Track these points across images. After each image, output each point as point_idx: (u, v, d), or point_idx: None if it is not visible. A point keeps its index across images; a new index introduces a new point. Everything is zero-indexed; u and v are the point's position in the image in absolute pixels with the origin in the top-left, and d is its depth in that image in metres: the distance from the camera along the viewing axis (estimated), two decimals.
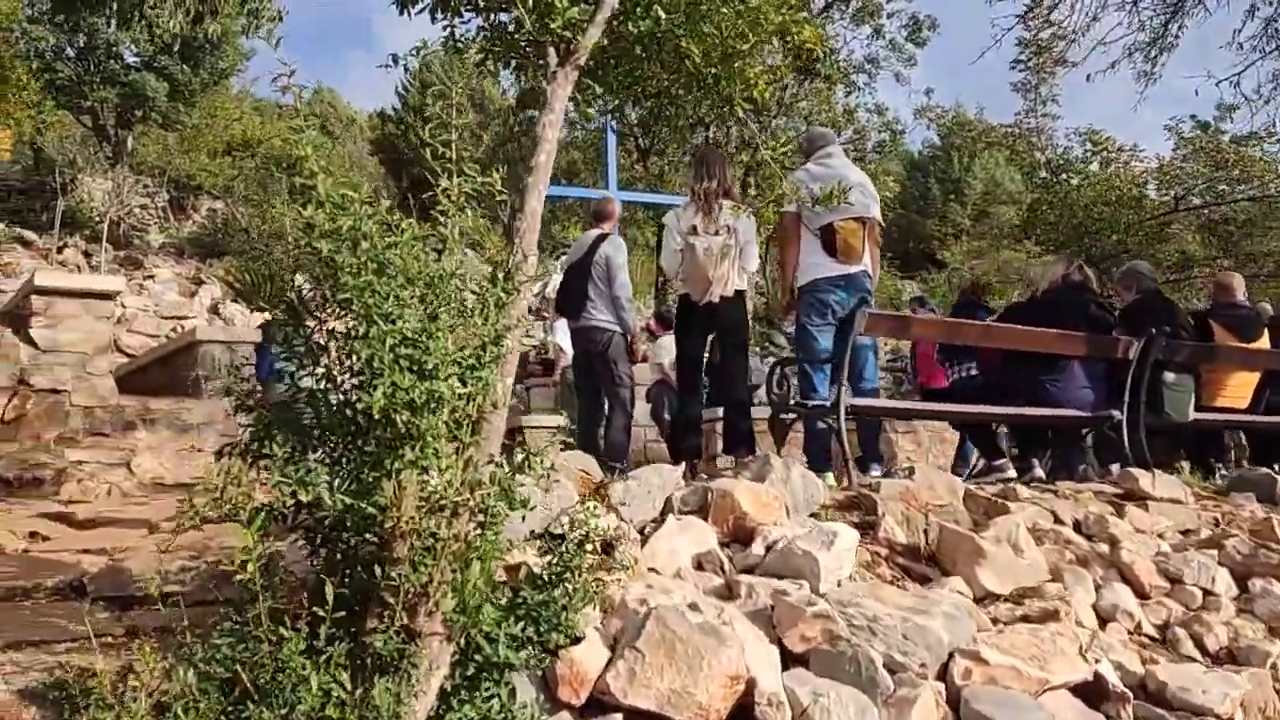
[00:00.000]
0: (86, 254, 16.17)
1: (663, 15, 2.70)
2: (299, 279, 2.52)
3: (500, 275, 2.38)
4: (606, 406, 6.57)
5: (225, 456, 2.38)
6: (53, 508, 4.13)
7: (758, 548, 3.47)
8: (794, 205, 5.55)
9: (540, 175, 2.50)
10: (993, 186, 23.22)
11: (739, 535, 3.61)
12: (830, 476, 4.91)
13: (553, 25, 2.52)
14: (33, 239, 16.52)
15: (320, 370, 2.37)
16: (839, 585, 3.26)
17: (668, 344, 10.80)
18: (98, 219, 19.05)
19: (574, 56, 2.58)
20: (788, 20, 3.02)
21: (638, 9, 2.71)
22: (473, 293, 2.35)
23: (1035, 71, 16.73)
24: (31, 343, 5.83)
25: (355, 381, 2.22)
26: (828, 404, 4.91)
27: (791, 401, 5.09)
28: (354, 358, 2.18)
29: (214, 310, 12.15)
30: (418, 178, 26.46)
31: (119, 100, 17.45)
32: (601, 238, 6.58)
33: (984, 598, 3.61)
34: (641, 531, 3.46)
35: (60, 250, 16.28)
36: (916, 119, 16.72)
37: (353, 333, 2.19)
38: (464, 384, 2.18)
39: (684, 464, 4.59)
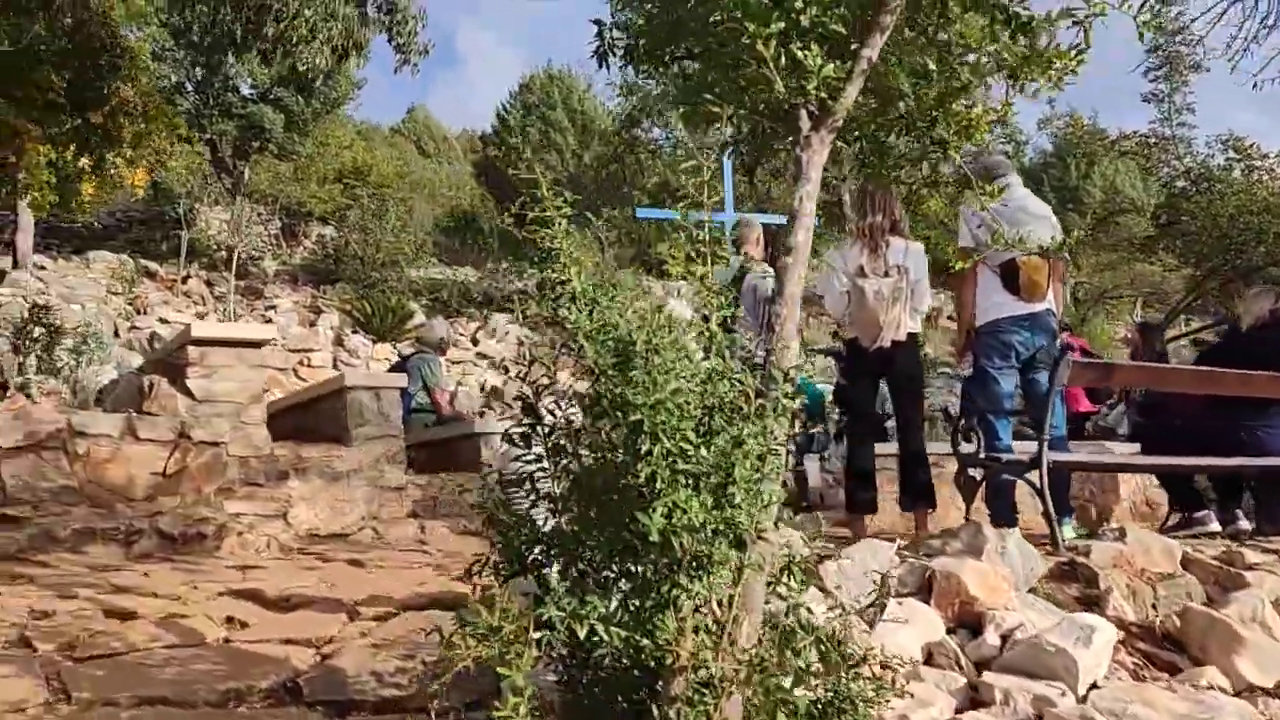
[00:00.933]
0: (209, 283, 16.59)
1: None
2: (535, 371, 2.31)
3: (774, 373, 2.14)
4: None
5: (476, 574, 2.18)
6: (232, 576, 4.04)
7: (991, 637, 3.17)
8: (970, 240, 5.23)
9: (800, 256, 2.26)
10: (1112, 194, 22.30)
11: (964, 620, 3.31)
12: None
13: (808, 86, 2.27)
14: (157, 270, 17.01)
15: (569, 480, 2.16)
16: (1095, 686, 2.94)
17: None
18: (215, 247, 19.58)
19: (830, 119, 2.33)
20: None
21: None
22: (742, 391, 2.12)
23: (1168, 79, 16.05)
24: (188, 393, 5.83)
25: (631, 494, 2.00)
26: (1026, 459, 4.57)
27: (981, 455, 4.74)
28: (628, 474, 1.96)
29: (338, 342, 12.27)
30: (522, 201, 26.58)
31: (237, 132, 17.89)
32: (744, 271, 6.34)
33: (1243, 691, 3.24)
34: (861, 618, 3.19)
35: (184, 281, 16.73)
36: (1040, 129, 16.08)
37: (625, 443, 1.97)
38: (746, 502, 1.94)
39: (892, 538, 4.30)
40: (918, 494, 5.04)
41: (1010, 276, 5.10)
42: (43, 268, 14.60)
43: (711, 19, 2.62)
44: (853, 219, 5.39)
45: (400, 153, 28.66)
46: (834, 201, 16.11)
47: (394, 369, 8.35)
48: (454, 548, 5.58)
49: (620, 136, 19.33)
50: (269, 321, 13.95)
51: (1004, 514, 4.91)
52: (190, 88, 18.16)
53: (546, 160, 25.04)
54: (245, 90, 18.82)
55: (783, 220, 12.13)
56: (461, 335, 14.88)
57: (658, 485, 1.89)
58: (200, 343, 5.87)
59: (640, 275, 26.95)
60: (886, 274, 5.05)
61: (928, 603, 3.32)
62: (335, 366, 11.64)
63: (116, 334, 11.30)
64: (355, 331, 12.69)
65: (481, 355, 13.31)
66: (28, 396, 6.54)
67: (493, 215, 28.61)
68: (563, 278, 2.09)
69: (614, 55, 3.22)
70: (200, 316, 13.83)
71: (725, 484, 1.92)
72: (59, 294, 12.46)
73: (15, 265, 13.71)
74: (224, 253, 19.22)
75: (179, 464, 5.52)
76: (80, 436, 5.24)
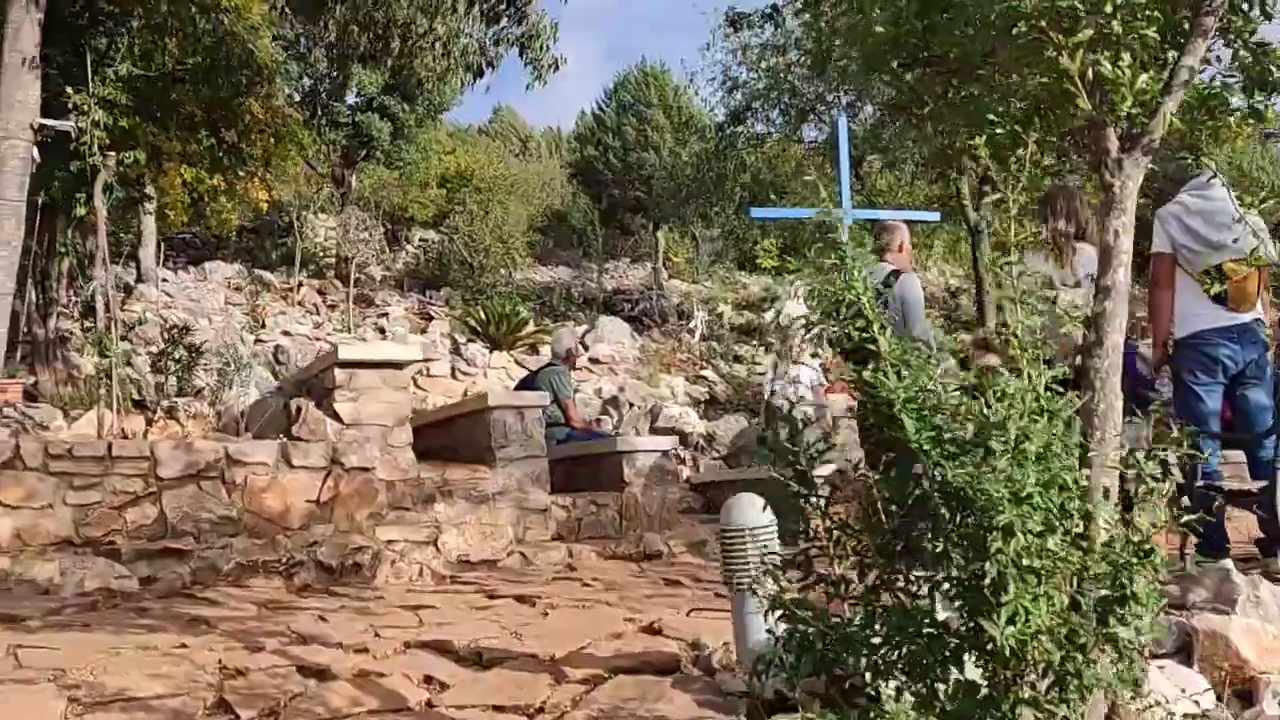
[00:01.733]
0: (321, 292, 16.78)
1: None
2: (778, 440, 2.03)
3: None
4: None
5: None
6: (407, 620, 3.89)
7: (1270, 707, 2.81)
8: (1167, 245, 4.81)
9: (1119, 298, 1.95)
10: None
11: (1235, 686, 2.95)
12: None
13: (1120, 103, 1.96)
14: (271, 280, 17.29)
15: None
16: None
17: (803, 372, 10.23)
18: (322, 254, 19.85)
19: (1146, 139, 2.01)
20: None
21: None
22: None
23: None
24: (336, 417, 5.74)
25: (952, 592, 1.73)
26: (1256, 490, 4.15)
27: (1199, 482, 4.33)
28: (957, 573, 1.68)
29: (455, 350, 12.22)
30: (617, 200, 26.60)
31: (345, 141, 18.08)
32: (895, 274, 5.98)
33: None
34: None
35: (296, 290, 16.96)
36: None
37: (960, 536, 1.69)
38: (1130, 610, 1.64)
39: None
40: None
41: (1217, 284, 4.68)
42: (165, 280, 14.92)
43: (971, 28, 2.34)
44: (1038, 226, 5.00)
45: (492, 154, 28.77)
46: (949, 195, 15.57)
47: (523, 383, 8.20)
48: (609, 575, 5.38)
49: (722, 132, 18.96)
50: (382, 331, 14.01)
51: (1217, 544, 4.49)
52: (297, 98, 18.42)
53: (644, 159, 24.87)
54: (351, 99, 19.03)
55: (907, 216, 11.59)
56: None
57: (1007, 585, 1.61)
58: (347, 365, 5.78)
59: (733, 271, 26.66)
60: (1078, 284, 4.66)
61: (1189, 665, 2.97)
62: (454, 376, 11.60)
63: (240, 346, 11.43)
64: (471, 340, 12.62)
65: (594, 361, 13.13)
66: (174, 420, 6.58)
67: (584, 213, 28.56)
68: (866, 334, 1.81)
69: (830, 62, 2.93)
70: (317, 326, 13.95)
71: (1088, 581, 1.63)
72: (185, 308, 12.69)
73: (140, 279, 14.04)
74: (331, 259, 19.46)
75: (332, 491, 5.44)
76: (238, 465, 5.18)
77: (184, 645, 3.41)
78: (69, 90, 5.80)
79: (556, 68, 8.13)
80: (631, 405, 11.25)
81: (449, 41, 7.37)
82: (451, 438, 6.79)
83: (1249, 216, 4.94)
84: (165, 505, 4.95)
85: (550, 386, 7.93)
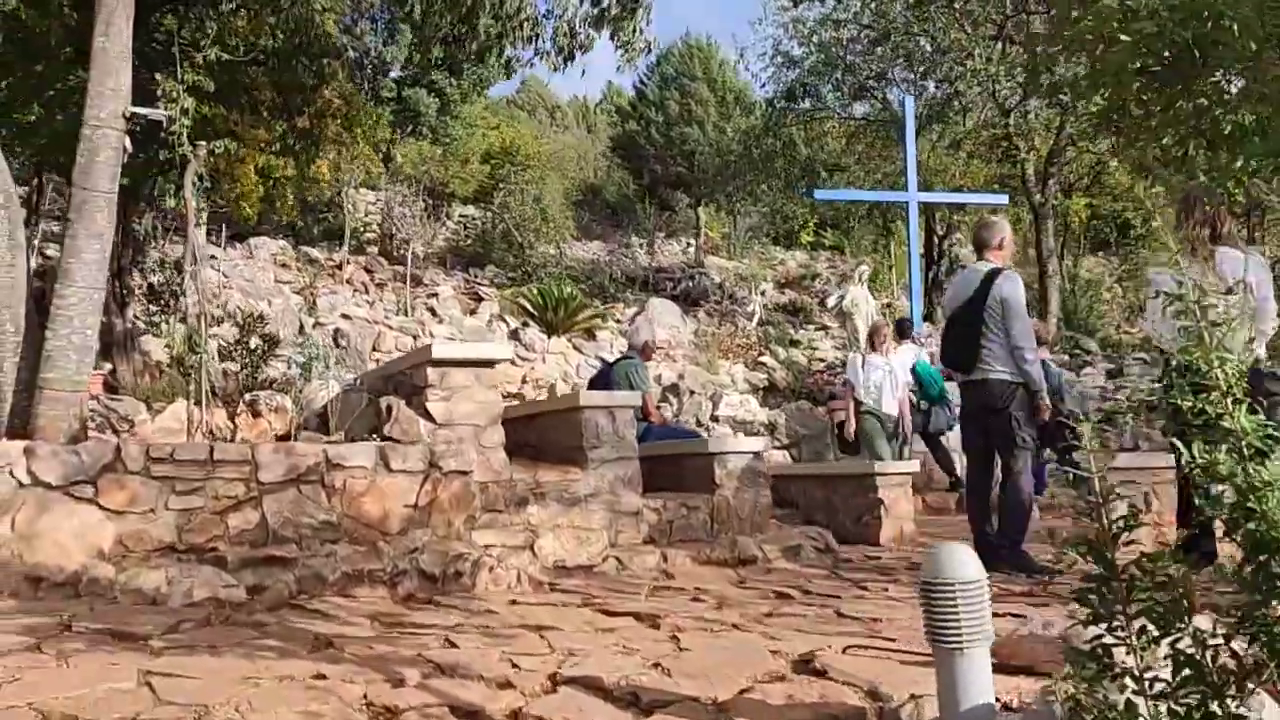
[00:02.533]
0: (368, 270, 16.66)
1: None
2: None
3: None
4: (1001, 469, 5.84)
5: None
6: (534, 644, 3.73)
7: None
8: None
9: None
10: None
11: None
12: None
13: None
14: (316, 256, 17.18)
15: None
16: None
17: (902, 353, 9.94)
18: (363, 229, 19.72)
19: None
20: None
21: None
22: None
23: None
24: (429, 417, 5.59)
25: None
26: None
27: None
28: None
29: (514, 336, 12.06)
30: (659, 176, 26.26)
31: (392, 116, 17.88)
32: (995, 273, 5.76)
33: None
34: None
35: (340, 267, 16.86)
36: None
37: None
38: None
39: None
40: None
41: None
42: (213, 257, 14.82)
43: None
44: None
45: (533, 128, 28.49)
46: (1010, 175, 15.20)
47: (599, 378, 8.02)
48: (711, 585, 5.22)
49: (772, 108, 18.64)
50: (433, 312, 13.87)
51: None
52: (343, 75, 18.19)
53: (687, 134, 24.52)
54: (395, 73, 18.79)
55: (974, 199, 11.29)
56: (619, 322, 14.51)
57: None
58: (440, 364, 5.61)
59: (769, 247, 26.33)
60: (1229, 292, 4.41)
61: None
62: (512, 363, 11.43)
63: (301, 330, 11.31)
64: (525, 324, 12.43)
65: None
66: (257, 415, 6.45)
67: (619, 187, 28.27)
68: (1214, 411, 1.59)
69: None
70: (370, 306, 13.82)
71: None
72: (241, 288, 12.58)
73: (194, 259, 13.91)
74: (374, 235, 19.30)
75: (430, 495, 5.29)
76: (337, 469, 5.04)
77: (322, 676, 3.26)
78: (157, 77, 5.64)
79: (649, 50, 7.89)
80: (692, 393, 11.06)
81: (537, 23, 7.13)
82: (538, 435, 6.62)
83: None
84: (266, 510, 4.82)
85: (627, 380, 7.76)
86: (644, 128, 25.46)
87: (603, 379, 7.83)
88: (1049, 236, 14.68)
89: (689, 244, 24.98)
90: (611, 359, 10.06)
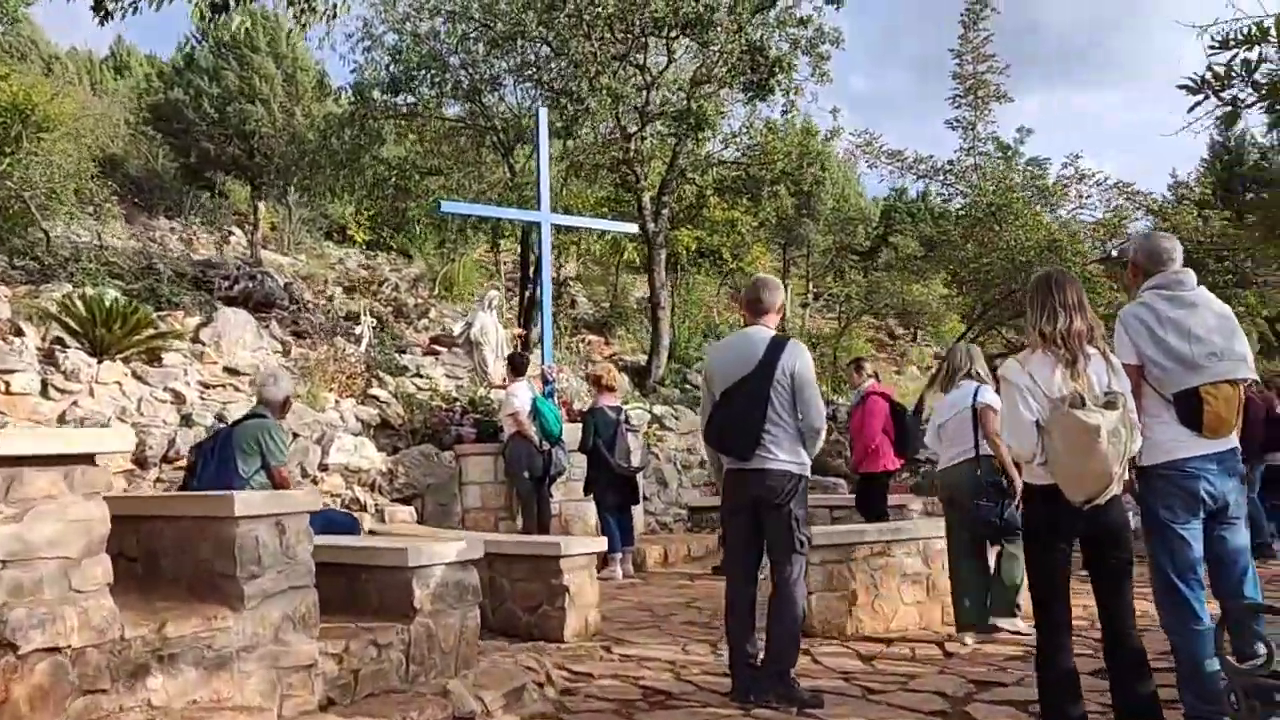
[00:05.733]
0: None
1: None
2: None
3: None
4: (772, 570, 4.96)
5: None
6: None
7: None
8: (1133, 355, 4.12)
9: None
10: (842, 203, 23.02)
11: None
12: None
13: None
14: None
15: None
16: None
17: (519, 391, 9.13)
18: None
19: None
20: None
21: None
22: None
23: (973, 107, 16.57)
24: None
25: None
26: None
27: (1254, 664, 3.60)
28: None
29: (49, 359, 8.84)
30: (211, 155, 22.58)
31: None
32: (781, 342, 4.83)
33: None
34: None
35: None
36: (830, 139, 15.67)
37: None
38: None
39: None
40: (1144, 713, 3.80)
41: (1190, 409, 4.04)
42: None
43: None
44: (1032, 321, 4.04)
45: (52, 84, 23.14)
46: (627, 201, 14.62)
47: (216, 445, 5.83)
48: None
49: (362, 96, 16.63)
50: None
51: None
52: None
53: (247, 111, 21.34)
54: None
55: (606, 225, 10.55)
56: (198, 343, 11.64)
57: None
58: (7, 463, 3.38)
59: (322, 242, 23.98)
60: (1110, 404, 3.75)
61: None
62: (45, 394, 8.36)
63: None
64: (63, 344, 9.26)
65: (231, 371, 10.37)
66: None
67: (146, 160, 24.17)
68: None
69: None
70: None
71: None
72: None
73: None
74: None
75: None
76: None
77: None
78: None
79: (334, 15, 5.89)
80: (295, 435, 8.95)
81: None
82: (146, 541, 4.47)
83: (1235, 340, 4.42)
84: None
85: (257, 447, 5.72)
86: (193, 98, 21.77)
87: (222, 449, 5.68)
88: (661, 268, 14.42)
89: (230, 232, 21.90)
90: (210, 404, 7.73)
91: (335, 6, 5.92)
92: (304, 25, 6.04)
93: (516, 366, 9.80)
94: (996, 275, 13.52)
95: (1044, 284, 4.02)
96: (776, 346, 4.77)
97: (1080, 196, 14.26)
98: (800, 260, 24.17)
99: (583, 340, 19.18)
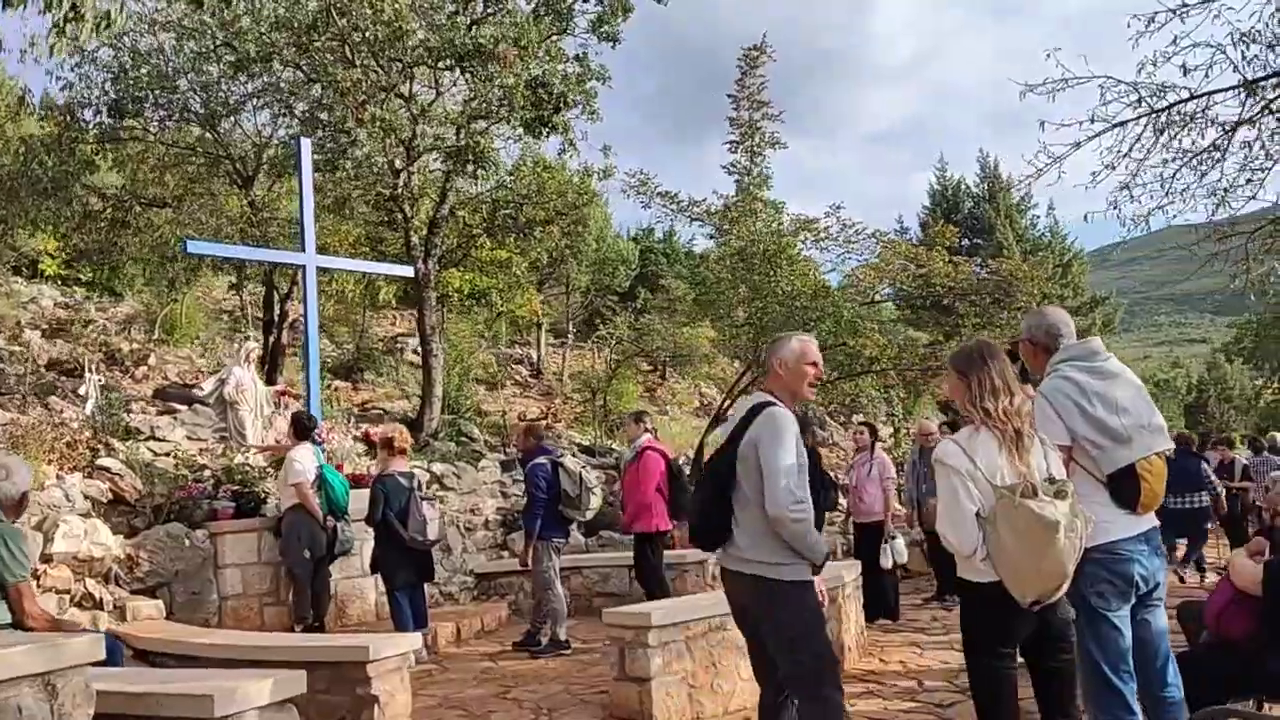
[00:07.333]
0: None
1: None
2: None
3: None
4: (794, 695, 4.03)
5: None
6: None
7: None
8: (1065, 436, 3.84)
9: None
10: (600, 243, 22.93)
11: None
12: None
13: None
14: None
15: None
16: None
17: (303, 457, 8.17)
18: None
19: None
20: None
21: None
22: None
23: (748, 152, 16.70)
24: None
25: None
26: None
27: None
28: None
29: None
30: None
31: None
32: (758, 408, 3.90)
33: None
34: None
35: None
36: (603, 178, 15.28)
37: None
38: None
39: None
40: None
41: (1125, 487, 3.81)
42: None
43: None
44: (969, 398, 3.64)
45: None
46: (393, 240, 13.34)
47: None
48: None
49: (73, 116, 14.53)
50: None
51: None
52: None
53: None
54: None
55: (379, 269, 9.62)
56: None
57: None
58: None
59: (9, 278, 20.89)
60: (1060, 493, 3.41)
61: None
62: None
63: None
64: None
65: None
66: None
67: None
68: None
69: None
70: None
71: None
72: None
73: None
74: None
75: None
76: None
77: None
78: None
79: (109, 25, 4.59)
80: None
81: None
82: None
83: (1153, 410, 4.25)
84: None
85: None
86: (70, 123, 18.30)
87: None
88: (431, 312, 13.42)
89: None
90: None
91: (109, 14, 4.73)
92: (66, 37, 4.78)
93: (301, 429, 8.60)
94: (771, 320, 13.63)
95: (977, 357, 3.66)
96: (751, 415, 3.88)
97: (848, 243, 14.75)
98: (559, 300, 23.80)
99: (328, 386, 17.66)
